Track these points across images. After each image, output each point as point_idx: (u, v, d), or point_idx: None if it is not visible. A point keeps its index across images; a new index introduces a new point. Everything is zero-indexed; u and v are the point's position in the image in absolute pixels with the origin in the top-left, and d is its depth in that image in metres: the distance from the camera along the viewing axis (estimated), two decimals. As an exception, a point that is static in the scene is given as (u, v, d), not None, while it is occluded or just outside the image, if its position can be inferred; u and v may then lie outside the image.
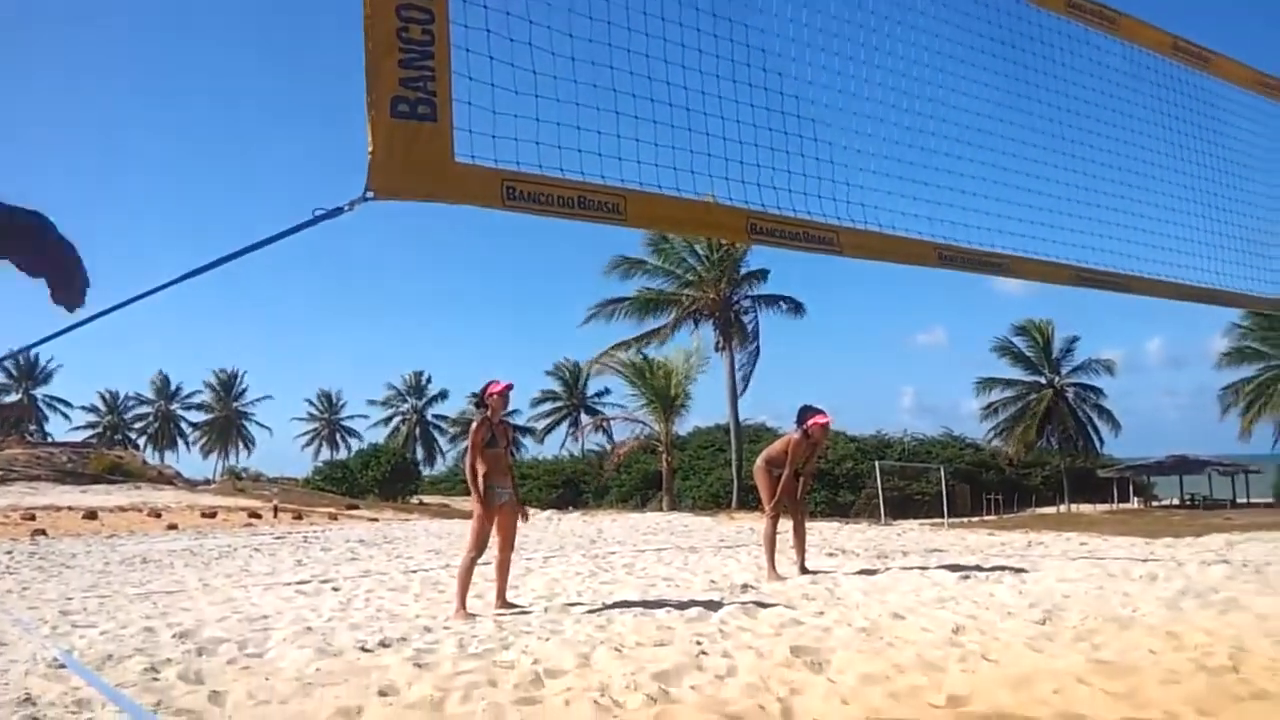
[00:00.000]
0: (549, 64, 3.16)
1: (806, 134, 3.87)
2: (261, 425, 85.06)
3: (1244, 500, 45.54)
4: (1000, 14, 4.79)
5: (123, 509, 27.95)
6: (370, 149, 2.76)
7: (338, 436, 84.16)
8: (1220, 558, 10.11)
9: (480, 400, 7.39)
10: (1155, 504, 45.80)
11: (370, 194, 2.68)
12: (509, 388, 7.40)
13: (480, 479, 7.18)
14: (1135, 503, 47.63)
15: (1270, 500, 44.46)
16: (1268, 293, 7.35)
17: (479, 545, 7.21)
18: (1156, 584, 7.89)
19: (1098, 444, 51.06)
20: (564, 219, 3.24)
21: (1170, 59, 5.46)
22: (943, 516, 23.31)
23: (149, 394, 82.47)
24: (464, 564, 7.25)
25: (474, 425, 7.34)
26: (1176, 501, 46.53)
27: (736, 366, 35.74)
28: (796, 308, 36.55)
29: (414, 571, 10.41)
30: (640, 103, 3.28)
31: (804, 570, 9.28)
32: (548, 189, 3.17)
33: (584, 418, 64.69)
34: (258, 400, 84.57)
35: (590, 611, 7.04)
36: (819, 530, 16.66)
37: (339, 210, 2.59)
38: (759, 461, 9.64)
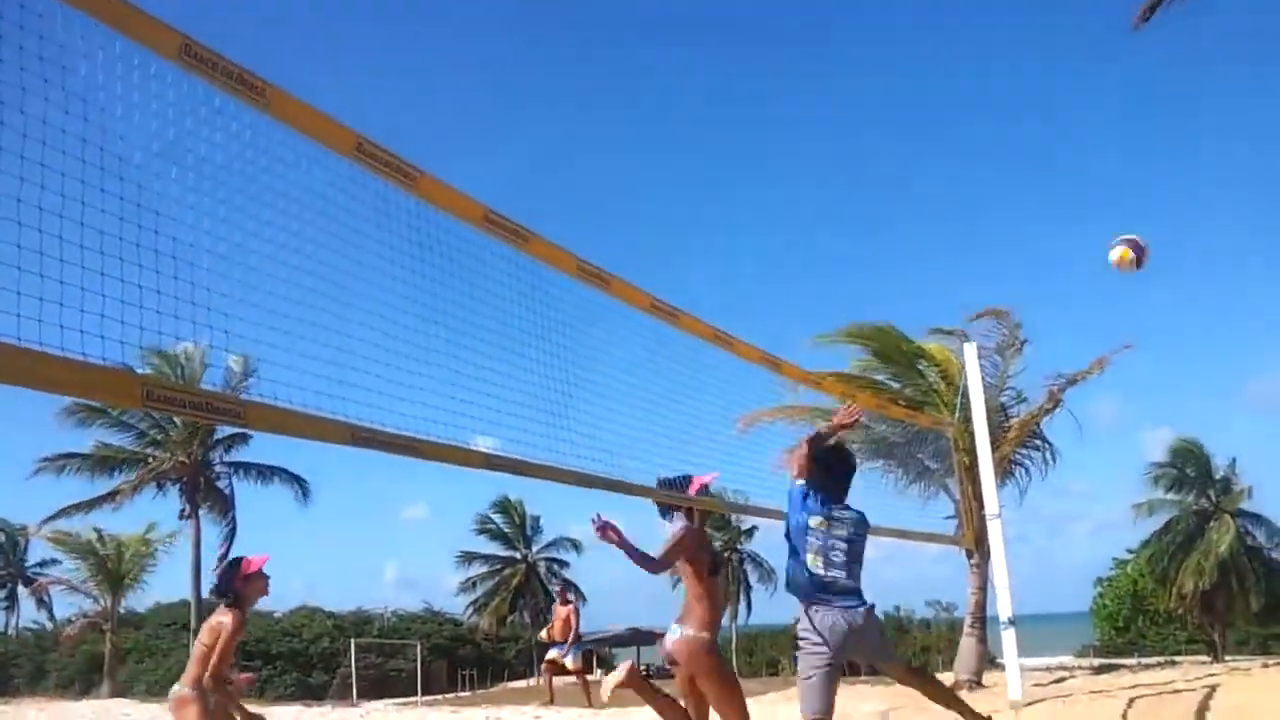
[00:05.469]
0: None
1: (216, 307, 3.74)
2: None
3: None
4: (418, 219, 4.89)
5: None
6: None
7: None
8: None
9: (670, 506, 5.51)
10: (615, 674, 48.86)
11: None
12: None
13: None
14: (598, 674, 50.47)
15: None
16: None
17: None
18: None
19: (565, 618, 53.77)
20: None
21: (576, 279, 5.86)
22: (418, 694, 23.00)
23: None
24: None
25: (681, 534, 5.34)
26: (634, 671, 50.06)
27: (207, 538, 32.71)
28: (298, 482, 33.94)
29: None
30: (6, 248, 2.98)
31: None
32: None
33: (22, 591, 55.83)
34: None
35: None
36: (277, 716, 15.56)
37: None
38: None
